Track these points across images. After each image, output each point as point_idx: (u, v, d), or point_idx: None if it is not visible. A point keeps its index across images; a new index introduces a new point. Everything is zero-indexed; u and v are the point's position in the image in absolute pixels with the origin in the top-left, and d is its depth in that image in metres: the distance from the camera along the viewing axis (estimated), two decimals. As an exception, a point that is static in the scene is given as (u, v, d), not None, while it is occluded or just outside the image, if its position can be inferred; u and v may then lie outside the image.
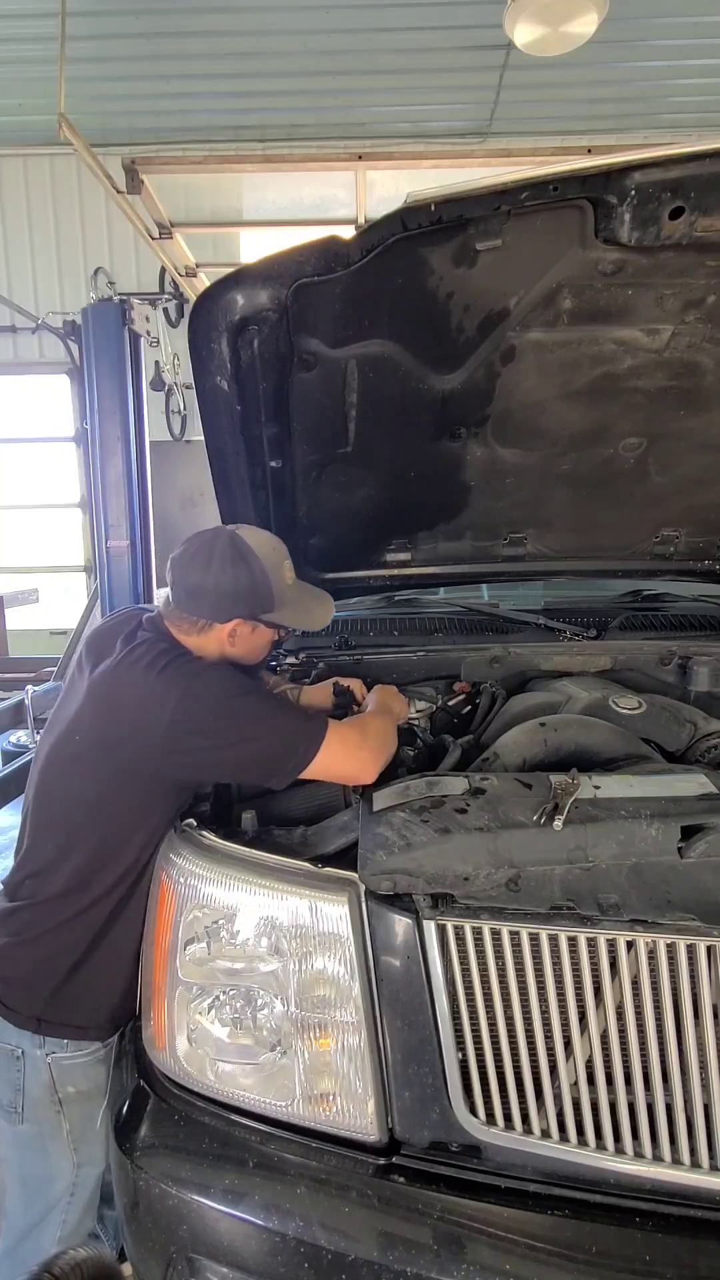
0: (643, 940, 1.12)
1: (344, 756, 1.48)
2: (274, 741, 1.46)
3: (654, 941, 1.12)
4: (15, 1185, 1.64)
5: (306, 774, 1.46)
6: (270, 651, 1.78)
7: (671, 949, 1.12)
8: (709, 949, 1.11)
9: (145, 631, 1.58)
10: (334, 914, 1.23)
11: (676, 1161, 1.12)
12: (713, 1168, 1.12)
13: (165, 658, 1.49)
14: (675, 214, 1.30)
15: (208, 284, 1.46)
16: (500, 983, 1.16)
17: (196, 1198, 1.21)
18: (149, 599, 3.84)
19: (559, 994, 1.15)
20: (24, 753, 3.99)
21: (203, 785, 1.59)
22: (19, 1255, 1.62)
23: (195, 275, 5.76)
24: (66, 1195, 1.60)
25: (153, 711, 1.42)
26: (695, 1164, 1.12)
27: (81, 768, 1.51)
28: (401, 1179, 1.17)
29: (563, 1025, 1.15)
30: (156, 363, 5.67)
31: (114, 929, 1.53)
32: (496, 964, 1.16)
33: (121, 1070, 1.49)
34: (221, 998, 1.30)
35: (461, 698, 2.03)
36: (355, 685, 1.94)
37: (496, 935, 1.16)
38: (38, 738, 2.45)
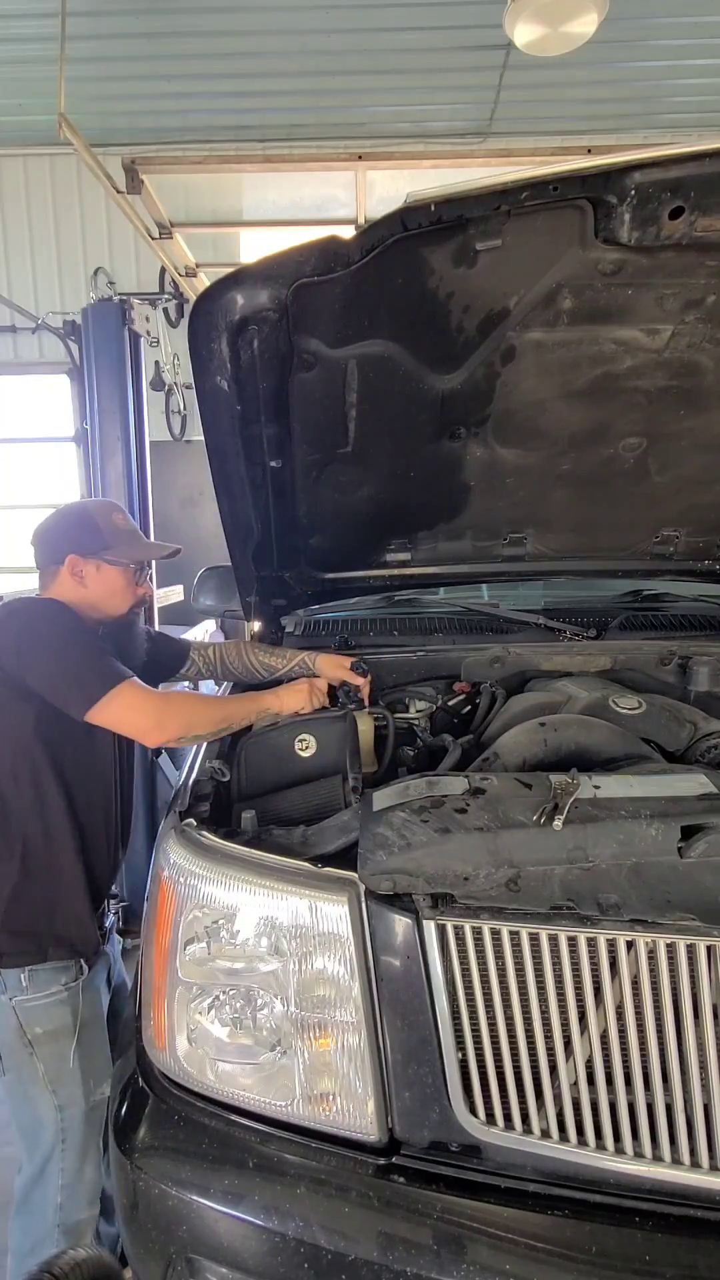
0: (643, 940, 1.12)
1: (131, 712, 1.62)
2: (68, 668, 1.62)
3: (654, 941, 1.12)
4: (18, 1136, 1.76)
5: (95, 717, 1.61)
6: (135, 604, 1.91)
7: (671, 949, 1.12)
8: (709, 949, 1.11)
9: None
10: (334, 914, 1.23)
11: (676, 1161, 1.12)
12: (713, 1168, 1.12)
13: (10, 602, 1.73)
14: (675, 214, 1.30)
15: (208, 284, 1.45)
16: (500, 983, 1.16)
17: (196, 1198, 1.20)
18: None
19: (559, 994, 1.15)
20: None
21: (34, 692, 1.67)
22: (29, 1209, 1.75)
23: (195, 275, 5.76)
24: (58, 1143, 1.71)
25: None
26: (695, 1164, 1.12)
27: None
28: (401, 1179, 1.17)
29: (563, 1025, 1.15)
30: (156, 363, 5.67)
31: (31, 850, 1.69)
32: (496, 964, 1.16)
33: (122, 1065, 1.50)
34: (221, 998, 1.29)
35: (461, 698, 2.03)
36: (364, 686, 1.95)
37: (496, 935, 1.16)
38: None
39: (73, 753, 1.74)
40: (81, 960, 1.75)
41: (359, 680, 1.95)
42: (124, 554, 1.83)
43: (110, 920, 1.97)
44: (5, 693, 1.67)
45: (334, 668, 1.98)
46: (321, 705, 1.89)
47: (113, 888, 1.95)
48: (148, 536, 3.96)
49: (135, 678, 1.66)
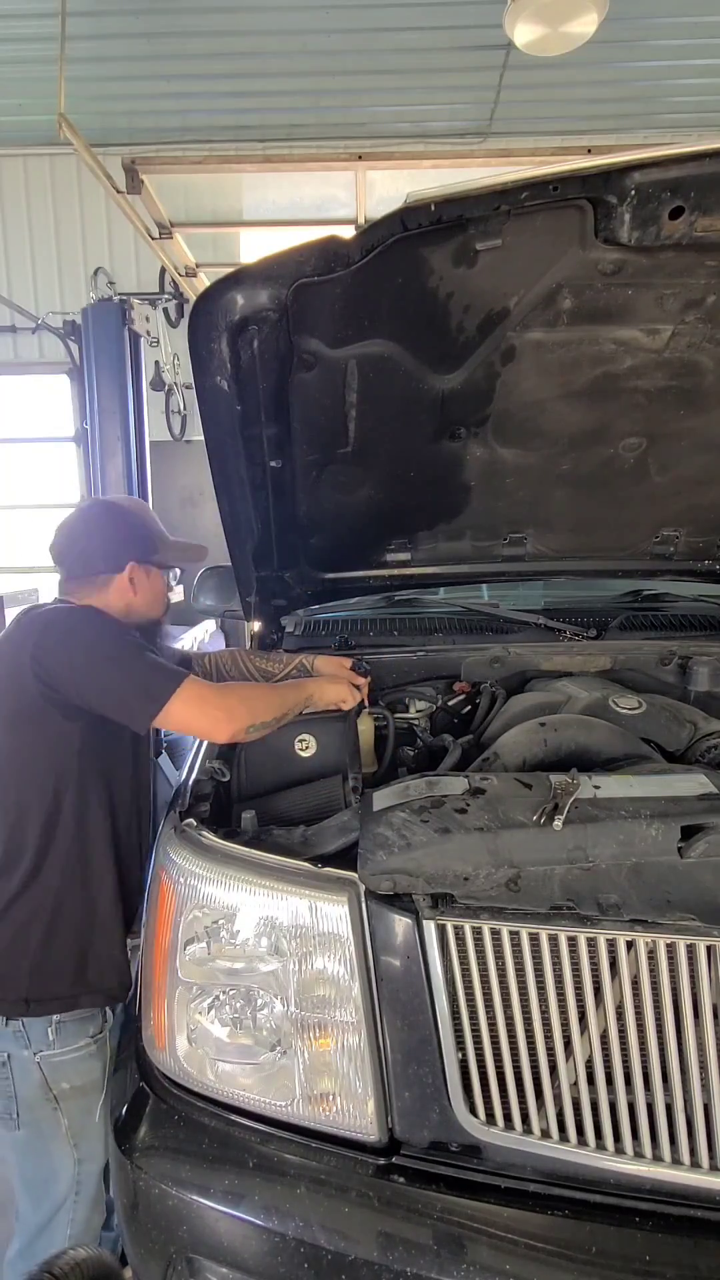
0: (643, 940, 1.12)
1: (197, 710, 1.53)
2: (127, 678, 1.51)
3: (654, 941, 1.12)
4: (21, 1189, 1.65)
5: (163, 721, 1.51)
6: (168, 605, 1.85)
7: (671, 949, 1.12)
8: (709, 949, 1.11)
9: (39, 607, 1.68)
10: (334, 914, 1.23)
11: (676, 1161, 1.12)
12: (713, 1168, 1.12)
13: (39, 611, 1.61)
14: (675, 214, 1.30)
15: (208, 284, 1.45)
16: (500, 983, 1.16)
17: (196, 1198, 1.20)
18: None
19: (559, 994, 1.15)
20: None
21: (84, 710, 1.57)
22: (31, 1255, 1.64)
23: (195, 275, 5.76)
24: (71, 1194, 1.61)
25: (21, 648, 1.53)
26: (695, 1164, 1.12)
27: None
28: (401, 1179, 1.17)
29: (563, 1025, 1.15)
30: (156, 363, 5.67)
31: (67, 886, 1.57)
32: (496, 964, 1.16)
33: (124, 1071, 1.49)
34: (221, 998, 1.29)
35: (461, 698, 2.03)
36: (364, 686, 1.94)
37: (496, 935, 1.16)
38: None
39: (117, 774, 1.66)
40: (107, 1008, 1.65)
41: (359, 680, 1.93)
42: (169, 557, 1.77)
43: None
44: (49, 713, 1.54)
45: (333, 667, 1.95)
46: (359, 701, 1.84)
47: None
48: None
49: (191, 674, 1.57)
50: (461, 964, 1.17)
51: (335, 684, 1.81)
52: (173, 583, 1.88)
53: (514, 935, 1.15)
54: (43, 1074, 1.55)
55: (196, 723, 1.55)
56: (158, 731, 1.89)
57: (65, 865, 1.58)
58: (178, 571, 1.91)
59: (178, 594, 4.47)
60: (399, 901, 1.20)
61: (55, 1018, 1.56)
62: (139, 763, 1.73)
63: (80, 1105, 1.58)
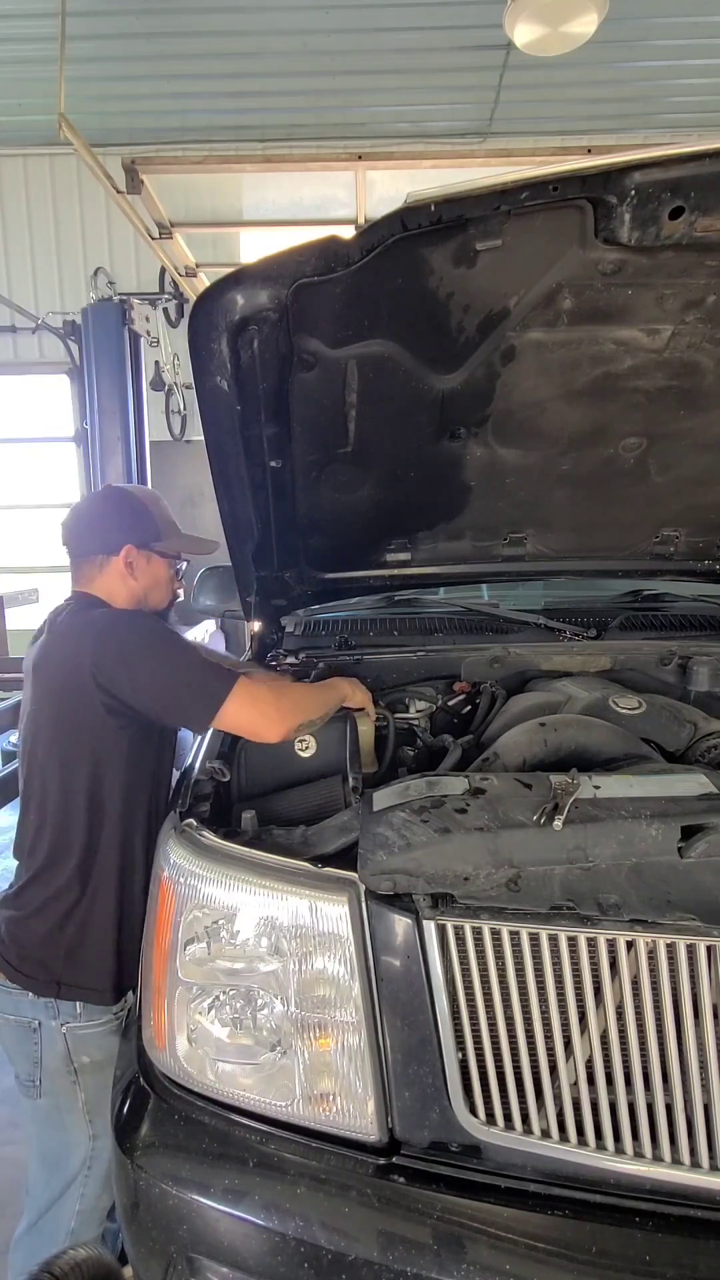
0: (643, 940, 1.12)
1: (252, 710, 1.54)
2: (184, 682, 1.53)
3: (654, 941, 1.12)
4: (35, 1161, 1.70)
5: (220, 723, 1.54)
6: (171, 603, 1.85)
7: (671, 949, 1.12)
8: (709, 949, 1.11)
9: (68, 604, 1.72)
10: (334, 914, 1.23)
11: (676, 1161, 1.12)
12: (713, 1168, 1.12)
13: (84, 614, 1.63)
14: (675, 214, 1.30)
15: (208, 284, 1.46)
16: (500, 983, 1.16)
17: (196, 1198, 1.20)
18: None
19: (559, 994, 1.15)
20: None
21: (134, 718, 1.60)
22: (41, 1230, 1.68)
23: (195, 275, 5.76)
24: (84, 1169, 1.65)
25: (76, 654, 1.55)
26: (695, 1164, 1.12)
27: (41, 738, 1.62)
28: (401, 1179, 1.17)
29: (563, 1025, 1.15)
30: (156, 363, 5.67)
31: (106, 886, 1.62)
32: (496, 964, 1.16)
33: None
34: (221, 998, 1.29)
35: (461, 698, 2.03)
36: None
37: (496, 935, 1.16)
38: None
39: (157, 778, 1.70)
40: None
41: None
42: (173, 545, 1.78)
43: None
44: (106, 722, 1.57)
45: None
46: (367, 702, 1.85)
47: None
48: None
49: (242, 674, 1.60)
50: (461, 964, 1.17)
51: (359, 688, 1.84)
52: (180, 578, 1.87)
53: (514, 935, 1.15)
54: (67, 1045, 1.61)
55: (251, 723, 1.56)
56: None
57: (108, 866, 1.63)
58: (183, 566, 1.90)
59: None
60: (399, 901, 1.20)
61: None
62: (166, 765, 1.76)
63: (98, 1080, 1.62)
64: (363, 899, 1.22)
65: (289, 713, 1.59)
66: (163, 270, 5.79)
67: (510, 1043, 1.17)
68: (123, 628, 1.59)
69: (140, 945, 1.58)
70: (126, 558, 1.70)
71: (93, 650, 1.53)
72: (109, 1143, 1.61)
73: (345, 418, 1.72)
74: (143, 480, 3.82)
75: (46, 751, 1.62)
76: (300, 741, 1.74)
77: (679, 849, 1.18)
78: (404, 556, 2.20)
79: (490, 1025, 1.17)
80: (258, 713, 1.55)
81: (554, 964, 1.14)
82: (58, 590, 1.95)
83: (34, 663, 1.66)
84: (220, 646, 4.58)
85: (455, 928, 1.17)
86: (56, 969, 1.60)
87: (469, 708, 2.01)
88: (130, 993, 1.68)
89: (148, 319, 3.92)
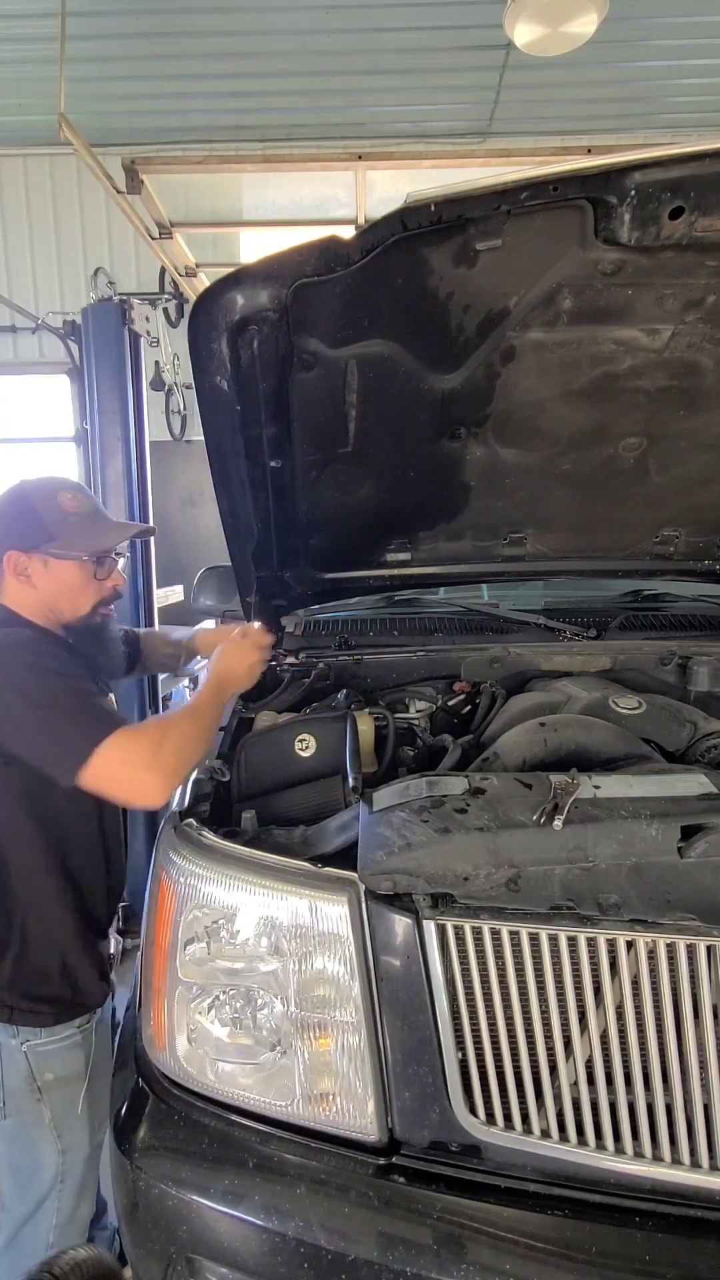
0: (643, 940, 1.12)
1: (121, 768, 1.37)
2: (49, 730, 1.38)
3: (654, 941, 1.12)
4: (7, 1178, 1.67)
5: (84, 783, 1.37)
6: (101, 600, 1.68)
7: (671, 949, 1.12)
8: (709, 949, 1.11)
9: None
10: (334, 914, 1.22)
11: (676, 1161, 1.12)
12: (713, 1168, 1.12)
13: None
14: (675, 214, 1.30)
15: (208, 284, 1.45)
16: (500, 983, 1.16)
17: (196, 1198, 1.20)
18: (148, 599, 3.84)
19: (559, 994, 1.15)
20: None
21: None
22: (18, 1246, 1.64)
23: (195, 275, 5.75)
24: (56, 1184, 1.62)
25: None
26: (695, 1164, 1.12)
27: None
28: (401, 1179, 1.17)
29: (563, 1025, 1.15)
30: (156, 363, 5.67)
31: (28, 900, 1.55)
32: (496, 964, 1.16)
33: (122, 1073, 1.49)
34: (221, 998, 1.29)
35: (461, 698, 2.03)
36: (266, 640, 1.84)
37: (496, 935, 1.16)
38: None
39: (68, 816, 1.58)
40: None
41: (262, 637, 1.83)
42: (73, 544, 1.60)
43: (113, 948, 1.86)
44: None
45: (217, 638, 1.89)
46: (266, 657, 1.70)
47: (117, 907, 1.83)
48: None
49: (124, 726, 1.41)
50: (461, 964, 1.17)
51: (235, 655, 1.65)
52: (109, 571, 1.68)
53: (514, 935, 1.15)
54: (29, 1064, 1.56)
55: (120, 784, 1.40)
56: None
57: (28, 904, 1.55)
58: (116, 562, 1.71)
59: (176, 593, 4.48)
60: (399, 901, 1.20)
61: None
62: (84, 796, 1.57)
63: (63, 1096, 1.59)
64: (363, 899, 1.22)
65: (170, 769, 1.41)
66: (163, 270, 5.79)
67: (510, 1043, 1.17)
68: None
69: (98, 957, 1.60)
70: (14, 566, 1.56)
71: None
72: (80, 1155, 1.62)
73: (345, 418, 1.72)
74: (143, 480, 3.81)
75: None
76: (300, 741, 1.74)
77: (679, 849, 1.18)
78: (404, 556, 2.20)
79: (490, 1025, 1.17)
80: (128, 771, 1.37)
81: (554, 964, 1.14)
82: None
83: None
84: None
85: (455, 928, 1.17)
86: (4, 996, 1.55)
87: (469, 708, 2.01)
88: (94, 1010, 1.65)
89: (148, 319, 3.91)
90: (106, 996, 1.68)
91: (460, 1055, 1.18)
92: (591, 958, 1.14)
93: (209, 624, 4.31)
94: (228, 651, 1.66)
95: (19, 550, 1.57)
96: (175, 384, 6.02)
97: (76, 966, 1.60)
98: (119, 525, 1.77)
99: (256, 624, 1.77)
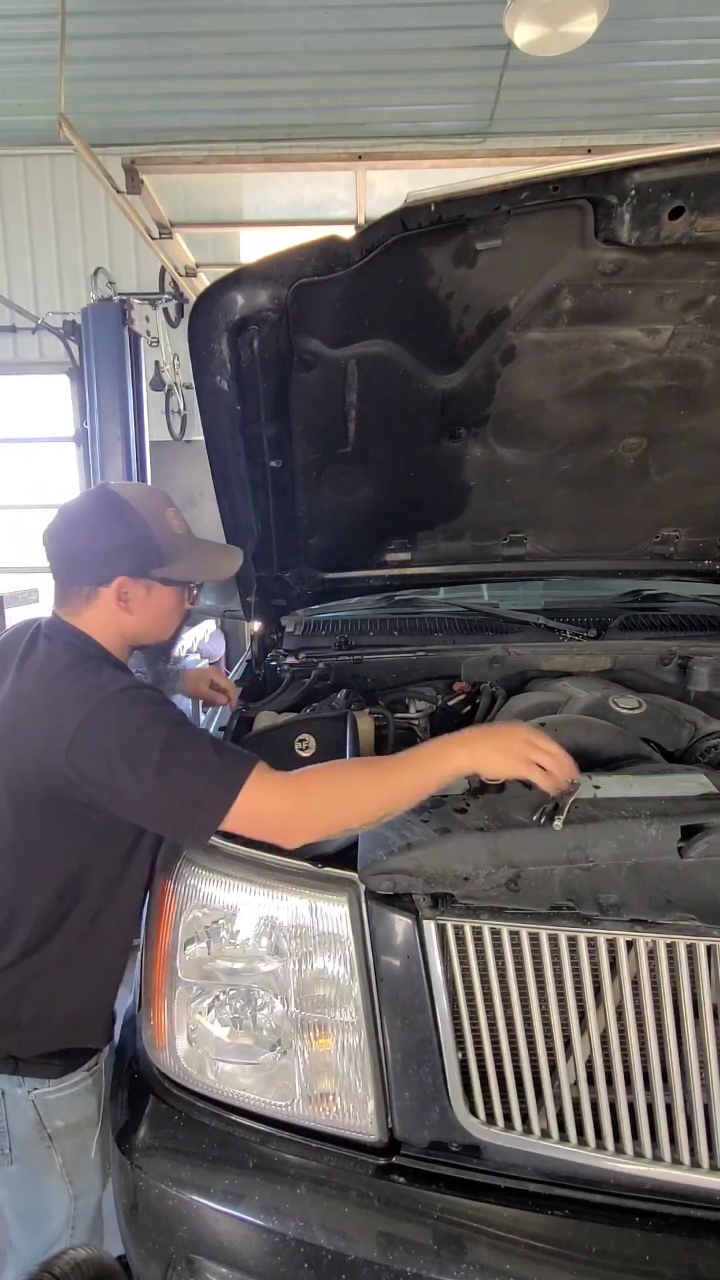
0: (643, 940, 1.12)
1: (264, 815, 1.21)
2: (186, 784, 1.20)
3: (654, 941, 1.12)
4: (14, 1221, 1.57)
5: (227, 826, 1.21)
6: (181, 624, 1.53)
7: (671, 949, 1.12)
8: (709, 949, 1.11)
9: (44, 640, 1.40)
10: (334, 914, 1.23)
11: (676, 1161, 1.13)
12: (713, 1168, 1.12)
13: (69, 673, 1.30)
14: (675, 214, 1.30)
15: (208, 284, 1.45)
16: (500, 983, 1.16)
17: (196, 1198, 1.21)
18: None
19: (559, 994, 1.15)
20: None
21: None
22: None
23: (195, 275, 5.76)
24: (67, 1229, 1.53)
25: (52, 736, 1.23)
26: (695, 1164, 1.12)
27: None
28: (401, 1179, 1.17)
29: (563, 1025, 1.15)
30: (156, 363, 5.66)
31: (67, 966, 1.40)
32: (496, 964, 1.16)
33: (115, 1100, 1.45)
34: (221, 997, 1.29)
35: (461, 698, 2.03)
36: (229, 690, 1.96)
37: (496, 935, 1.16)
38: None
39: (137, 875, 1.42)
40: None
41: (224, 683, 1.97)
42: (186, 570, 1.44)
43: None
44: (86, 810, 1.27)
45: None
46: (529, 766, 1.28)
47: None
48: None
49: (259, 762, 1.23)
50: (461, 964, 1.17)
51: (501, 741, 1.26)
52: (192, 595, 1.53)
53: (514, 935, 1.15)
54: (37, 1112, 1.45)
55: (259, 828, 1.24)
56: None
57: (68, 948, 1.38)
58: (196, 590, 1.56)
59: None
60: (399, 901, 1.20)
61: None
62: (136, 861, 1.44)
63: (75, 1142, 1.49)
64: (363, 899, 1.22)
65: (313, 823, 1.23)
66: (163, 270, 5.79)
67: (510, 1043, 1.17)
68: (111, 706, 1.24)
69: (104, 1008, 1.48)
70: (120, 591, 1.37)
71: (69, 741, 1.22)
72: (92, 1199, 1.52)
73: (345, 418, 1.72)
74: (142, 480, 3.82)
75: (4, 831, 1.34)
76: (300, 741, 1.74)
77: (679, 849, 1.18)
78: (404, 556, 2.20)
79: (490, 1025, 1.17)
80: (271, 818, 1.21)
81: (554, 964, 1.14)
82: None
83: None
84: (220, 647, 4.57)
85: (455, 928, 1.17)
86: (9, 1046, 1.40)
87: (469, 708, 2.00)
88: (101, 1052, 1.52)
89: (148, 319, 3.92)
90: (111, 1034, 1.54)
91: (460, 1055, 1.18)
92: (591, 958, 1.14)
93: (210, 624, 4.31)
94: (496, 733, 1.32)
95: (130, 577, 1.37)
96: (175, 384, 6.02)
97: (93, 1019, 1.47)
98: (224, 549, 1.61)
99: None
